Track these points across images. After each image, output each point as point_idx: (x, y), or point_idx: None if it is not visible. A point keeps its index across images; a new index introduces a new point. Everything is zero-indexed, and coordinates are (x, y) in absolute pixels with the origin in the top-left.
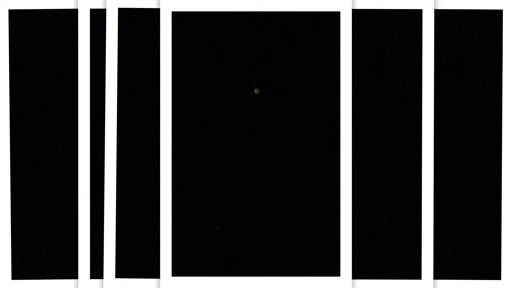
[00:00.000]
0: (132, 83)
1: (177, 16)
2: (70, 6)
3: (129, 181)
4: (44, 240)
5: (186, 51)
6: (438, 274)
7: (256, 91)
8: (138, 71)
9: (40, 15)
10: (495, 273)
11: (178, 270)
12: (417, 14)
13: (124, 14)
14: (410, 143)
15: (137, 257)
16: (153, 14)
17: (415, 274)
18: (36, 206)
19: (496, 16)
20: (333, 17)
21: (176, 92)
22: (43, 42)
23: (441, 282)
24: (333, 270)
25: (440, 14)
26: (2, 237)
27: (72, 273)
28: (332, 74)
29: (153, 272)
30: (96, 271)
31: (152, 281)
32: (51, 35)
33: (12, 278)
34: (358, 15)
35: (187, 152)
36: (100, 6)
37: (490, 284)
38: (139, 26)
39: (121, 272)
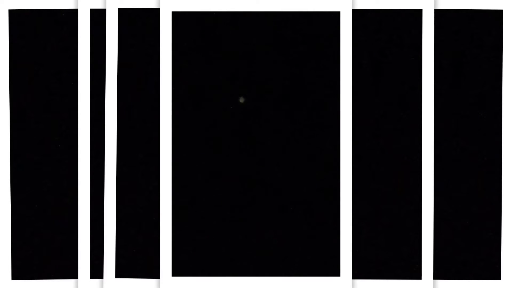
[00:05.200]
0: (132, 83)
1: (177, 16)
2: (70, 6)
3: (129, 181)
4: (44, 240)
5: (186, 51)
6: (438, 274)
7: (241, 100)
8: (138, 71)
9: (40, 15)
10: (495, 273)
11: (178, 270)
12: (417, 14)
13: (124, 14)
14: (410, 143)
15: (137, 257)
16: (153, 14)
17: (415, 274)
18: (36, 206)
19: (496, 16)
20: (333, 17)
21: (176, 92)
22: (43, 42)
23: (441, 282)
24: (333, 270)
25: (440, 14)
26: (2, 237)
27: (72, 273)
28: (332, 74)
29: (153, 272)
30: (96, 271)
31: (152, 281)
32: (51, 35)
33: (12, 278)
34: (358, 15)
35: (187, 152)
36: (100, 6)
37: (490, 284)
38: (139, 26)
39: (121, 272)
